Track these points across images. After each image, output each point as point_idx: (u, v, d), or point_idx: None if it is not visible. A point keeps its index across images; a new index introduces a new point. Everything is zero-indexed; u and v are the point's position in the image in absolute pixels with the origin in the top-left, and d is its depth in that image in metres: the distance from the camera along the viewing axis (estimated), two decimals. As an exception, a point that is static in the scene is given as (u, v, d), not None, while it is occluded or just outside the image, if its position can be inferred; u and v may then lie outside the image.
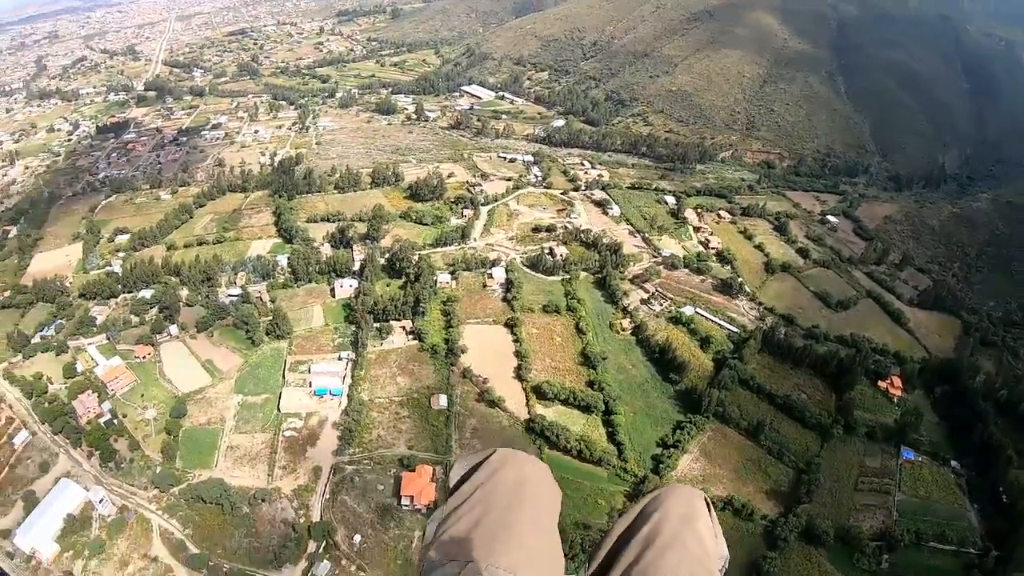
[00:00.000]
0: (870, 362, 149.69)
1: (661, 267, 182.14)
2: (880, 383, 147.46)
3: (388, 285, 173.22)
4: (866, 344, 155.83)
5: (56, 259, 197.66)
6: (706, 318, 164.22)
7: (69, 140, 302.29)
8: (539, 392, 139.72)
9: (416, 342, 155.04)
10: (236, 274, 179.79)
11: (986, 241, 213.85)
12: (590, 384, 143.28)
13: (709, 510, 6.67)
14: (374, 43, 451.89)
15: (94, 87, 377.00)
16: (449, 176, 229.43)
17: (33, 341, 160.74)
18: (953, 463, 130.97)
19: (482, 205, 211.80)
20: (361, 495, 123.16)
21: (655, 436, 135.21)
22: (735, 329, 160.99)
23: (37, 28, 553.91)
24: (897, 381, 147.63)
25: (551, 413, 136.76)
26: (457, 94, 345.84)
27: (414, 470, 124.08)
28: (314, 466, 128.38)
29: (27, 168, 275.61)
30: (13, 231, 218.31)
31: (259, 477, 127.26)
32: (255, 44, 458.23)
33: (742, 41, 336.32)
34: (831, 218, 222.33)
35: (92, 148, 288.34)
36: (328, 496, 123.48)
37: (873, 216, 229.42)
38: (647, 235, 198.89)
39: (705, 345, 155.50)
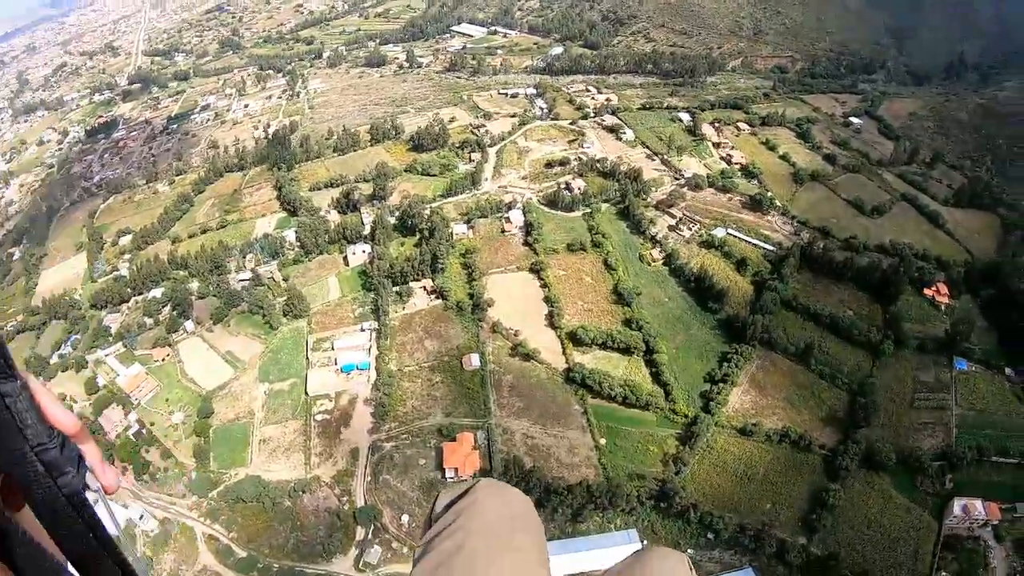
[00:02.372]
0: (913, 269, 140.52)
1: (685, 189, 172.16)
2: (926, 291, 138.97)
3: (403, 245, 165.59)
4: (907, 251, 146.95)
5: (63, 273, 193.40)
6: (739, 239, 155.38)
7: (60, 149, 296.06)
8: (575, 338, 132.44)
9: (439, 301, 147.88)
10: (244, 257, 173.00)
11: (1018, 131, 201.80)
12: (627, 323, 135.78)
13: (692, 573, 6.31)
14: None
15: (78, 91, 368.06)
16: (451, 121, 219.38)
17: (52, 362, 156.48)
18: (1008, 371, 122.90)
19: (489, 147, 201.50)
20: (403, 472, 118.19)
21: (702, 371, 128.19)
22: (771, 247, 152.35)
23: (14, 45, 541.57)
24: (943, 287, 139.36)
25: (590, 360, 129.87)
26: (448, 35, 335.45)
27: (455, 439, 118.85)
28: (351, 448, 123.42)
29: (22, 186, 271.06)
30: (17, 253, 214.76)
31: (296, 468, 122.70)
32: (234, 17, 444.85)
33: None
34: (854, 120, 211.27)
35: (84, 153, 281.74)
36: (370, 478, 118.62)
37: (897, 114, 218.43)
38: (666, 157, 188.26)
39: (742, 268, 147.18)
